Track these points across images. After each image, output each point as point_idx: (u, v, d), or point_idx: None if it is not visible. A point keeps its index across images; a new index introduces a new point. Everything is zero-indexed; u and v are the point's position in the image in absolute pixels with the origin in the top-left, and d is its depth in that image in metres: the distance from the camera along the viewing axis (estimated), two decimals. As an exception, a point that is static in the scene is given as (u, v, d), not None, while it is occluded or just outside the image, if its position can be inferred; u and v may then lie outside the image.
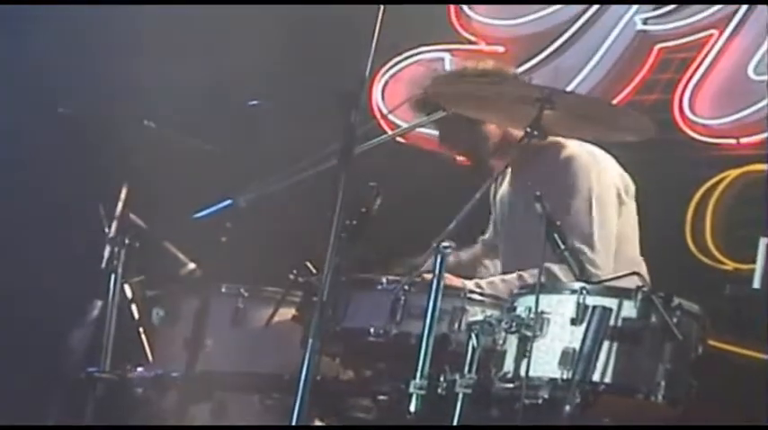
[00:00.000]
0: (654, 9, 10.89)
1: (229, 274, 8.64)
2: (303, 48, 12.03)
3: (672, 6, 10.90)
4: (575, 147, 8.78)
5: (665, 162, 10.05)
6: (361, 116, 7.77)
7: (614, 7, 11.14)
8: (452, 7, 11.58)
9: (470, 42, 11.92)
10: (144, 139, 9.75)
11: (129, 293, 8.90)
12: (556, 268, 8.18)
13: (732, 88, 10.33)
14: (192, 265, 9.01)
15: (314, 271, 8.01)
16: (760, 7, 10.58)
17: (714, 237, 10.06)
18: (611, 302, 7.33)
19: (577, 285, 7.48)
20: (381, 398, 7.79)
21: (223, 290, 8.52)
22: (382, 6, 7.49)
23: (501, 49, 11.29)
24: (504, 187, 9.28)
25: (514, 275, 8.39)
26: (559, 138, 8.72)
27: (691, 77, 10.60)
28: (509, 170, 9.03)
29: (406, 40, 10.66)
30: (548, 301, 7.39)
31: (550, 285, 7.75)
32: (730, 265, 9.62)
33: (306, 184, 8.81)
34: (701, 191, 10.17)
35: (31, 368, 10.17)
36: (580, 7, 11.32)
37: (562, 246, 7.77)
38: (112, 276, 8.84)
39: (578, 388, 7.12)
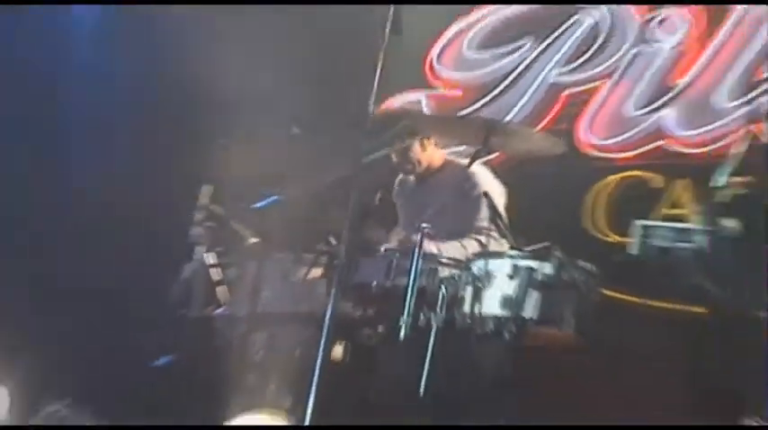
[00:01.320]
0: (566, 65, 10.75)
1: (279, 245, 8.55)
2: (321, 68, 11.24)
3: (580, 60, 10.74)
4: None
5: (571, 169, 9.89)
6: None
7: (537, 65, 10.87)
8: (427, 62, 11.26)
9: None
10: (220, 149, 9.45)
11: (210, 260, 8.68)
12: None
13: (615, 119, 10.31)
14: (253, 239, 8.71)
15: (335, 243, 7.98)
16: (639, 60, 10.48)
17: (604, 220, 10.02)
18: (535, 264, 7.56)
19: (513, 252, 7.73)
20: (380, 329, 7.86)
21: (275, 256, 8.46)
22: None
23: (459, 92, 11.06)
24: None
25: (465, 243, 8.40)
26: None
27: (587, 112, 10.54)
28: None
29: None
30: (493, 263, 7.59)
31: (495, 252, 7.93)
32: (615, 239, 9.63)
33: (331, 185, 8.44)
34: (594, 189, 10.15)
35: (142, 313, 9.86)
36: (514, 64, 10.99)
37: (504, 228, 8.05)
38: (198, 248, 8.75)
39: (513, 322, 7.41)
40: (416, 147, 8.92)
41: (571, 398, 8.47)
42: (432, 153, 8.95)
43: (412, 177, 9.10)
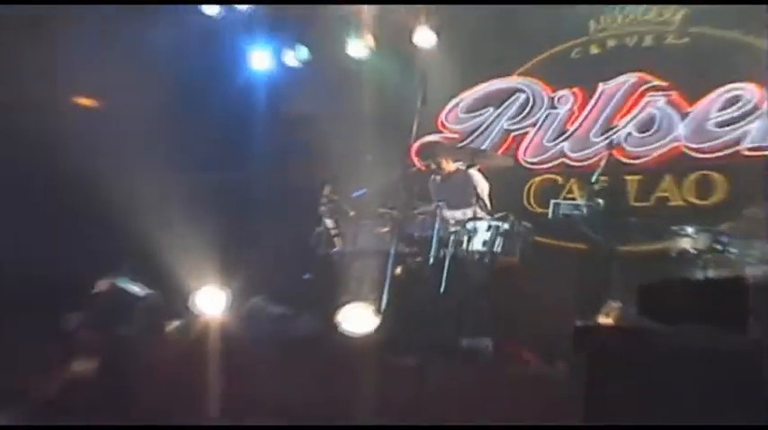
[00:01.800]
0: (511, 119, 10.98)
1: (368, 215, 9.18)
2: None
3: (520, 117, 10.97)
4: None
5: (516, 173, 10.39)
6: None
7: (497, 120, 11.08)
8: (439, 119, 11.35)
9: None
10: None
11: (330, 224, 9.30)
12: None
13: (538, 148, 10.83)
14: (352, 213, 9.32)
15: (395, 214, 8.85)
16: (550, 117, 10.72)
17: (534, 200, 10.43)
18: (500, 223, 8.55)
19: (488, 217, 8.70)
20: (419, 259, 8.76)
21: (364, 221, 9.22)
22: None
23: (457, 135, 11.09)
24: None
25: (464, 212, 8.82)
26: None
27: (522, 144, 10.86)
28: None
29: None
30: (478, 223, 8.59)
31: (479, 217, 8.71)
32: (540, 210, 9.87)
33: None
34: (528, 184, 10.56)
35: (300, 251, 9.61)
36: (485, 119, 11.15)
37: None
38: (324, 218, 9.36)
39: (489, 254, 8.47)
40: (441, 161, 9.31)
41: (517, 292, 8.61)
42: (448, 164, 9.29)
43: (438, 177, 9.38)
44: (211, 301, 8.52)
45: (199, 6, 11.26)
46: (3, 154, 10.14)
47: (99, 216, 9.84)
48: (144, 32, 10.69)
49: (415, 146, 9.79)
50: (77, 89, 11.38)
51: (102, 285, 8.66)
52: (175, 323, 8.62)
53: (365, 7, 10.96)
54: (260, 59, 11.64)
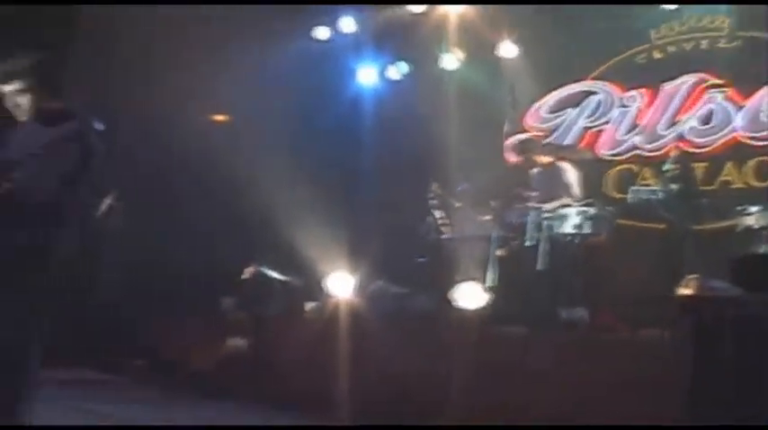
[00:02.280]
0: (588, 118, 10.55)
1: (471, 206, 9.24)
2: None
3: (596, 115, 10.55)
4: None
5: (594, 165, 9.83)
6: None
7: (575, 119, 10.69)
8: (526, 119, 10.83)
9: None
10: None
11: (438, 215, 9.24)
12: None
13: (612, 141, 10.38)
14: (458, 204, 9.28)
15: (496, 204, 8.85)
16: (621, 114, 10.28)
17: (612, 187, 10.12)
18: (587, 209, 8.39)
19: (577, 204, 8.48)
20: (517, 242, 8.72)
21: (468, 211, 9.20)
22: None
23: (542, 133, 10.51)
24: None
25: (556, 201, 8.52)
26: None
27: (599, 139, 10.56)
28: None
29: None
30: (568, 209, 8.39)
31: (569, 204, 8.46)
32: (620, 196, 9.55)
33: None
34: (607, 174, 10.19)
35: (412, 238, 9.65)
36: (566, 118, 10.68)
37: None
38: (433, 210, 9.29)
39: (578, 235, 8.29)
40: (535, 156, 9.09)
41: (605, 268, 8.51)
42: (542, 158, 9.01)
43: (534, 169, 9.05)
44: (341, 284, 8.76)
45: (310, 32, 11.35)
46: (162, 162, 10.52)
47: (246, 214, 10.03)
48: (265, 57, 10.69)
49: (510, 143, 9.58)
50: (215, 106, 11.59)
51: (248, 272, 8.66)
52: (311, 304, 8.77)
53: (453, 24, 10.88)
54: (367, 75, 11.60)
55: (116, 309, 9.55)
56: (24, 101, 4.82)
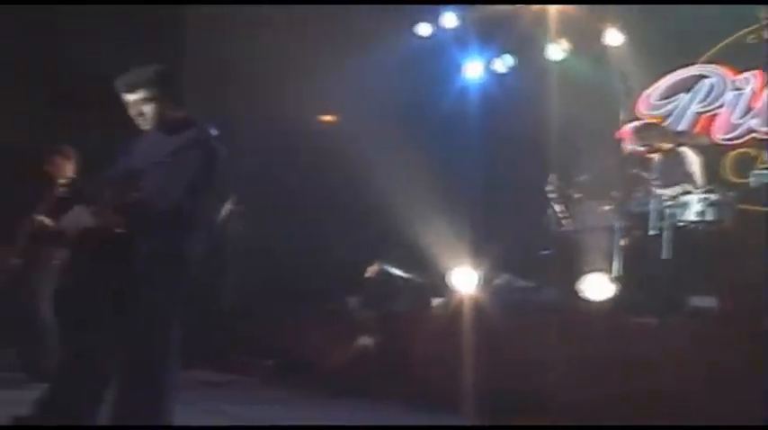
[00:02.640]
0: (700, 103, 10.37)
1: (590, 197, 9.16)
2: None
3: (708, 100, 10.36)
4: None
5: (711, 150, 9.63)
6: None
7: (687, 105, 10.45)
8: (638, 106, 10.60)
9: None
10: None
11: (558, 208, 9.16)
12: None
13: (727, 125, 10.12)
14: (577, 195, 9.16)
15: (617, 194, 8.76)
16: (735, 97, 10.10)
17: (732, 173, 9.95)
18: (709, 195, 8.29)
19: (698, 191, 8.36)
20: (640, 231, 8.54)
21: (588, 202, 9.12)
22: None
23: (655, 120, 10.33)
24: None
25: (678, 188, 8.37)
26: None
27: (714, 124, 10.34)
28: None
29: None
30: (689, 196, 8.30)
31: (690, 191, 8.36)
32: (739, 180, 9.48)
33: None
34: (724, 157, 9.99)
35: (535, 229, 9.52)
36: (678, 104, 10.48)
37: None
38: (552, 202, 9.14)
39: (701, 222, 8.23)
40: (654, 142, 8.89)
41: (730, 255, 8.28)
42: (661, 144, 8.83)
43: (654, 156, 8.84)
44: (466, 279, 8.66)
45: (413, 29, 11.36)
46: (281, 165, 10.72)
47: (367, 213, 10.20)
48: (371, 56, 10.60)
49: (626, 131, 9.47)
50: (326, 107, 11.68)
51: (371, 270, 8.73)
52: (436, 300, 8.73)
53: (557, 14, 10.86)
54: (473, 70, 11.49)
55: (243, 312, 9.78)
56: (148, 110, 4.96)
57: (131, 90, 4.93)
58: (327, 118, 11.73)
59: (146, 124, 5.00)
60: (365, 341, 8.72)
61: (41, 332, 7.34)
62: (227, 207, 9.35)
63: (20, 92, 10.05)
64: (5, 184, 7.92)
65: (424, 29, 11.46)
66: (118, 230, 4.83)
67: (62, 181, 7.55)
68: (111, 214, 4.81)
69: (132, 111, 4.97)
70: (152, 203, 4.80)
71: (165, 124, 5.00)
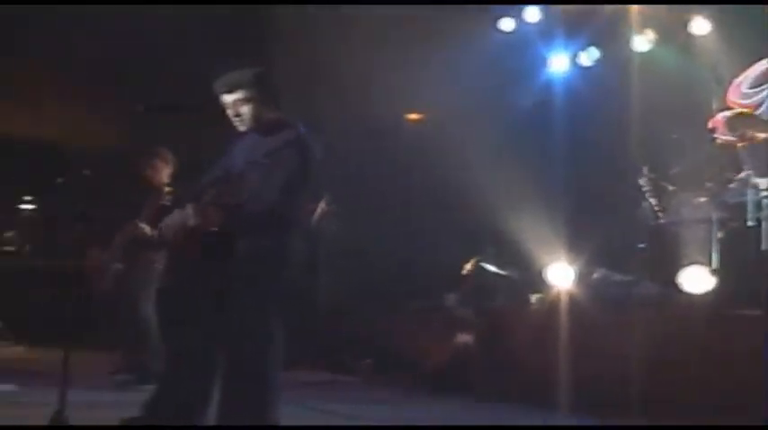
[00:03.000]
0: None
1: (682, 188, 8.98)
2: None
3: None
4: None
5: None
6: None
7: None
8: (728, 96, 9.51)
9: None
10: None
11: (653, 202, 8.91)
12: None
13: None
14: (671, 187, 8.96)
15: (711, 185, 8.59)
16: None
17: None
18: None
19: None
20: (738, 223, 8.32)
21: (682, 194, 8.89)
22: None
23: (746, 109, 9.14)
24: None
25: None
26: None
27: None
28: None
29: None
30: None
31: None
32: None
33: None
34: None
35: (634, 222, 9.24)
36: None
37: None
38: (646, 195, 8.89)
39: None
40: (748, 132, 8.56)
41: None
42: (755, 134, 8.51)
43: (748, 146, 8.55)
44: (562, 275, 8.67)
45: (497, 25, 11.35)
46: (374, 164, 10.90)
47: (462, 210, 10.20)
48: (456, 52, 10.71)
49: (718, 121, 9.38)
50: (415, 105, 11.73)
51: (468, 267, 8.78)
52: (534, 296, 8.77)
53: (641, 5, 10.68)
54: (558, 64, 11.37)
55: (341, 311, 10.00)
56: (246, 110, 5.05)
57: (230, 91, 5.03)
58: (415, 116, 11.76)
59: (243, 125, 5.09)
60: (463, 338, 8.85)
61: (146, 334, 7.48)
62: (321, 207, 9.38)
63: (120, 95, 10.40)
64: (108, 189, 8.08)
65: (507, 24, 11.48)
66: (217, 231, 4.90)
67: (165, 189, 7.63)
68: (210, 215, 4.87)
69: (230, 112, 5.06)
70: (249, 204, 4.86)
71: (262, 125, 5.09)
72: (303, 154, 4.95)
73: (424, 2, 10.36)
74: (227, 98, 5.06)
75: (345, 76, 10.55)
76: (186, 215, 4.89)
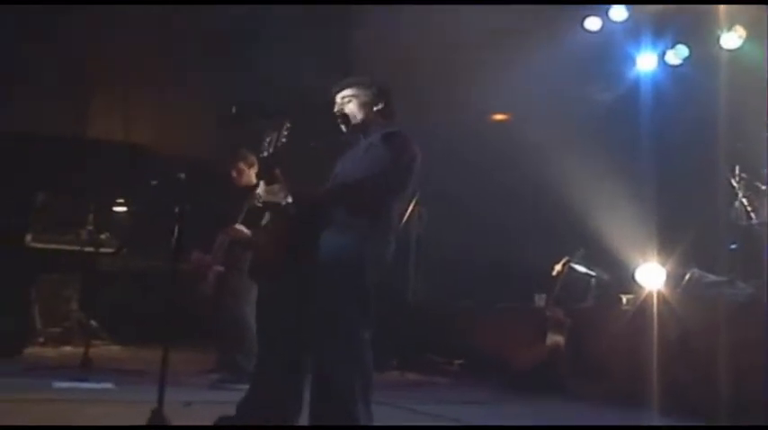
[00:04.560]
0: None
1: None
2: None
3: None
4: None
5: None
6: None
7: None
8: None
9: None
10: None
11: (745, 202, 8.69)
12: None
13: None
14: (763, 187, 8.66)
15: None
16: None
17: None
18: None
19: None
20: None
21: None
22: None
23: None
24: None
25: None
26: None
27: None
28: None
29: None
30: None
31: None
32: None
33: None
34: None
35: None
36: None
37: None
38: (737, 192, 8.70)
39: None
40: None
41: None
42: None
43: None
44: (653, 275, 8.55)
45: (583, 23, 11.23)
46: (463, 163, 10.84)
47: (554, 210, 10.11)
48: (542, 52, 10.70)
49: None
50: (503, 105, 11.75)
51: (558, 267, 8.75)
52: (625, 296, 8.70)
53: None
54: (645, 62, 11.23)
55: (430, 312, 10.03)
56: (350, 109, 5.16)
57: (339, 90, 5.19)
58: (502, 116, 11.86)
59: (347, 124, 5.18)
60: (553, 339, 8.85)
61: (243, 335, 7.51)
62: (412, 206, 9.48)
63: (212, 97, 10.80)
64: (203, 191, 8.29)
65: (593, 23, 11.39)
66: (308, 229, 4.95)
67: (256, 191, 7.69)
68: (307, 212, 4.95)
69: (337, 111, 5.18)
70: (347, 202, 4.94)
71: (363, 125, 5.18)
72: (406, 153, 4.99)
73: (510, 2, 10.30)
74: (338, 97, 5.21)
75: (433, 75, 10.63)
76: (285, 208, 4.98)
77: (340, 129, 5.27)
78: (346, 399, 4.85)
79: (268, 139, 5.21)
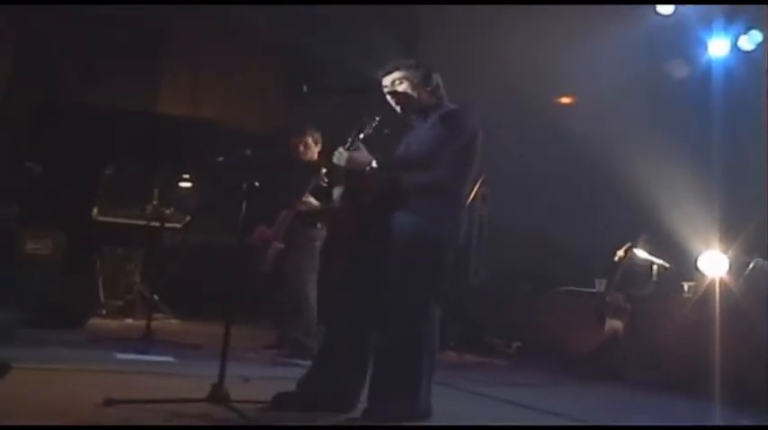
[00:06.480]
0: None
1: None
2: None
3: None
4: None
5: None
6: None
7: None
8: None
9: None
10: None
11: None
12: None
13: None
14: None
15: None
16: None
17: None
18: None
19: None
20: None
21: None
22: None
23: None
24: None
25: None
26: None
27: None
28: None
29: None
30: None
31: None
32: None
33: None
34: None
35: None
36: None
37: None
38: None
39: None
40: None
41: None
42: None
43: None
44: (716, 263, 8.57)
45: (655, 7, 11.02)
46: (526, 147, 10.87)
47: (618, 195, 10.07)
48: (614, 36, 10.57)
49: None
50: (570, 89, 11.71)
51: (620, 253, 8.76)
52: (687, 284, 8.74)
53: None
54: (718, 47, 10.93)
55: (493, 291, 10.16)
56: (401, 89, 5.26)
57: (389, 72, 5.29)
58: (569, 100, 11.83)
59: (398, 105, 5.29)
60: (613, 325, 8.87)
61: (304, 312, 7.61)
62: (477, 187, 9.46)
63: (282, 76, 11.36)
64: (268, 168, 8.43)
65: (665, 7, 11.16)
66: (376, 210, 5.09)
67: (321, 168, 7.79)
68: (389, 182, 5.05)
69: (387, 92, 5.27)
70: (412, 183, 5.05)
71: (419, 106, 5.28)
72: (467, 134, 5.08)
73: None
74: (386, 79, 5.28)
75: (500, 59, 10.59)
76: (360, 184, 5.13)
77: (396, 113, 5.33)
78: (412, 376, 5.00)
79: (356, 131, 5.32)
